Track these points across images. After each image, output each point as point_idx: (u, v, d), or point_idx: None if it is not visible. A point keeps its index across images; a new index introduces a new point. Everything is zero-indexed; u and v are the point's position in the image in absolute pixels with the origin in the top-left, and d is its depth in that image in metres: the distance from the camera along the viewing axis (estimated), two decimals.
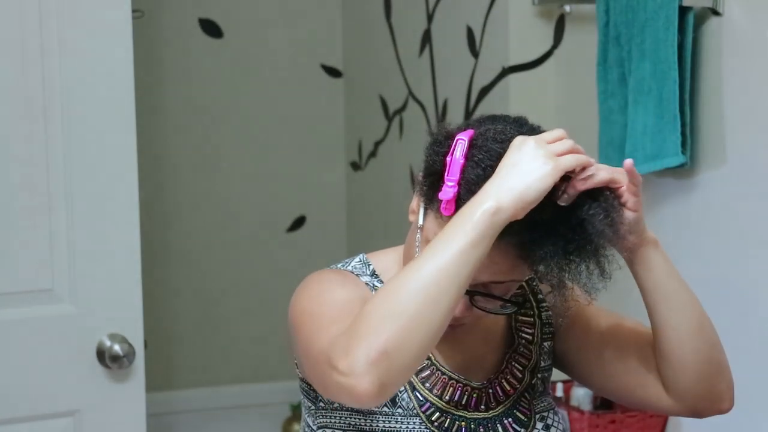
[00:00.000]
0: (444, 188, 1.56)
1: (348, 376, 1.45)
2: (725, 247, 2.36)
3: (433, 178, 1.61)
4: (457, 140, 1.58)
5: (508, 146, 1.55)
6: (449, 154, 1.57)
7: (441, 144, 1.62)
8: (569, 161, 1.51)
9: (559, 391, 2.65)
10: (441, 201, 1.57)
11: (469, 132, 1.59)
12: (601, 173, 1.54)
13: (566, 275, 1.56)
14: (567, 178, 1.53)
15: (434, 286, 1.47)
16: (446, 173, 1.57)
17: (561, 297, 1.62)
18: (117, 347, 2.51)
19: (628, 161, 1.56)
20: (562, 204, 1.53)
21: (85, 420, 2.54)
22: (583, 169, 1.53)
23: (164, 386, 3.71)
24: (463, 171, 1.56)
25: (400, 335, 1.45)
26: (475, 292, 1.61)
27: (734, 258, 2.34)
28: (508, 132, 1.59)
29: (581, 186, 1.53)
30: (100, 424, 2.55)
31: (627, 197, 1.56)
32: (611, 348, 1.74)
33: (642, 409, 1.77)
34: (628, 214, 1.56)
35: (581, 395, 2.63)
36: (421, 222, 1.63)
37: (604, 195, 1.55)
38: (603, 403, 2.66)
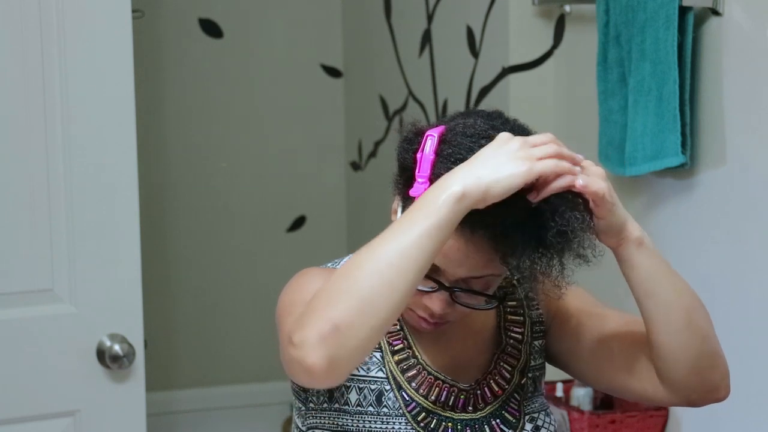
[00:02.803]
0: (415, 185, 1.57)
1: (299, 348, 1.46)
2: (725, 247, 2.36)
3: (406, 175, 1.62)
4: (426, 136, 1.58)
5: (477, 140, 1.56)
6: (419, 151, 1.58)
7: (411, 141, 1.62)
8: (545, 166, 1.50)
9: (559, 391, 2.66)
10: (413, 198, 1.56)
11: (440, 128, 1.60)
12: (561, 181, 1.53)
13: (537, 268, 1.56)
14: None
15: (392, 267, 1.47)
16: (417, 170, 1.57)
17: (533, 289, 1.63)
18: (117, 347, 2.51)
19: (579, 183, 1.54)
20: (531, 200, 1.53)
21: (85, 420, 2.54)
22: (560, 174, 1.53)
23: (164, 386, 3.71)
24: (433, 167, 1.57)
25: (351, 313, 1.45)
26: (455, 288, 1.61)
27: (734, 258, 2.34)
28: (479, 126, 1.59)
29: (546, 190, 1.53)
30: (100, 424, 2.55)
31: (593, 207, 1.56)
32: (605, 342, 1.74)
33: (639, 401, 1.78)
34: (597, 222, 1.56)
35: (581, 395, 2.63)
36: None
37: (567, 198, 1.54)
38: (603, 403, 2.66)
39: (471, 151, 1.55)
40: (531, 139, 1.54)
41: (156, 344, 3.60)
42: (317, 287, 1.56)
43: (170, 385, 3.77)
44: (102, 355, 2.51)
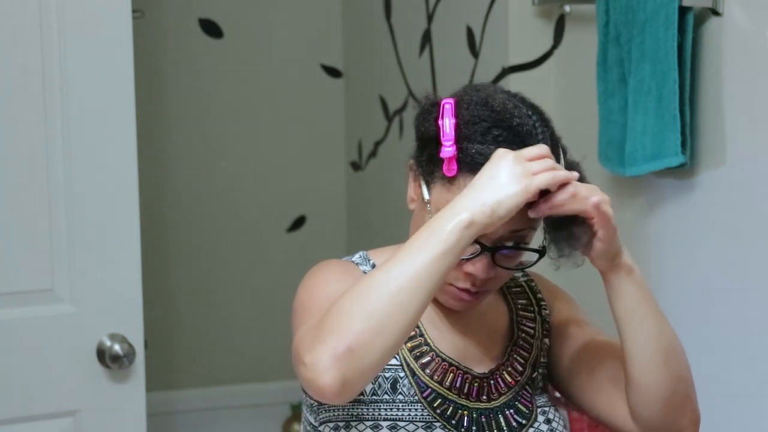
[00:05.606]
0: (443, 149, 1.61)
1: (311, 370, 1.49)
2: (725, 247, 2.36)
3: (430, 149, 1.66)
4: (443, 104, 1.63)
5: (489, 96, 1.64)
6: (440, 118, 1.62)
7: (429, 111, 1.67)
8: (543, 180, 1.54)
9: None
10: (442, 164, 1.61)
11: (452, 99, 1.66)
12: (572, 205, 1.57)
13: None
14: (546, 191, 1.57)
15: (404, 291, 1.50)
16: (442, 135, 1.61)
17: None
18: (117, 347, 2.51)
19: (594, 200, 1.57)
20: (531, 216, 1.58)
21: (85, 420, 2.54)
22: (563, 186, 1.56)
23: (164, 386, 3.71)
24: (457, 129, 1.61)
25: (366, 335, 1.48)
26: (495, 248, 1.64)
27: (734, 258, 2.34)
28: (490, 86, 1.69)
29: (548, 210, 1.57)
30: (100, 424, 2.55)
31: (597, 229, 1.59)
32: (586, 362, 1.77)
33: (606, 425, 1.78)
34: (597, 245, 1.59)
35: None
36: (427, 197, 1.66)
37: (570, 221, 1.59)
38: None
39: (488, 107, 1.62)
40: (526, 152, 1.57)
41: (156, 344, 3.60)
42: (334, 291, 1.60)
43: (170, 385, 3.77)
44: (102, 355, 2.51)
